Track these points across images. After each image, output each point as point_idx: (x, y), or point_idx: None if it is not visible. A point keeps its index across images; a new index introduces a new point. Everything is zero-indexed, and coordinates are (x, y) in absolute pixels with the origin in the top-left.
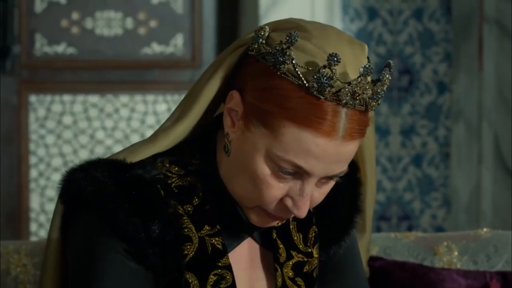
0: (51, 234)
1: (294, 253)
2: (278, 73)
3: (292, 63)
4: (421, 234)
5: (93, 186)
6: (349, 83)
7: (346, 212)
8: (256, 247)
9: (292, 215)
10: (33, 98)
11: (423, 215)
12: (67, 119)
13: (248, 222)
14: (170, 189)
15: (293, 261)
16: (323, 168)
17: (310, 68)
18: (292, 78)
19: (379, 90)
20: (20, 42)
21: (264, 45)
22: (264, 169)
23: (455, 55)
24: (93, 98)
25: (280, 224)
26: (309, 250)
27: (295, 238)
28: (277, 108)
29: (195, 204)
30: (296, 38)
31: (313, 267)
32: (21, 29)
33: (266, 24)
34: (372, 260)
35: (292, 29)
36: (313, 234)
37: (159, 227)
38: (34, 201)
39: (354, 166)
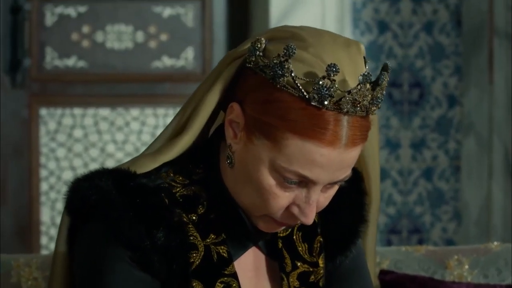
0: (58, 247)
1: (299, 264)
2: (278, 86)
3: (291, 75)
4: (432, 247)
5: (97, 195)
6: (349, 92)
7: (351, 222)
8: (261, 256)
9: (299, 222)
10: (43, 112)
11: (433, 229)
12: (78, 133)
13: (253, 230)
14: (174, 198)
15: (298, 271)
16: (328, 176)
17: (309, 80)
18: (292, 90)
19: (378, 95)
20: (31, 55)
21: (261, 57)
22: (269, 180)
23: (466, 68)
24: (104, 112)
25: (285, 234)
26: (315, 260)
27: (300, 248)
28: (279, 121)
29: (200, 213)
30: (294, 50)
31: (319, 276)
32: (31, 42)
33: (262, 35)
34: (383, 273)
35: (288, 38)
36: (319, 244)
37: (164, 235)
38: (45, 214)
39: (358, 176)
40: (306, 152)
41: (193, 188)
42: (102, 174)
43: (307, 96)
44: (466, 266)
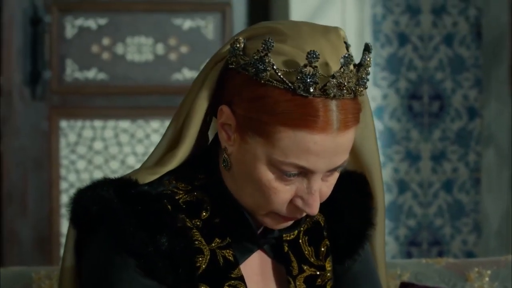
0: (65, 261)
1: (305, 267)
2: (262, 81)
3: (273, 68)
4: (452, 260)
5: (99, 204)
6: (333, 76)
7: (359, 226)
8: (267, 260)
9: (305, 214)
10: (64, 124)
11: (453, 241)
12: (98, 145)
13: (258, 232)
14: (177, 204)
15: (305, 275)
16: (325, 163)
17: (292, 70)
18: (276, 83)
19: (363, 75)
20: (51, 67)
21: (242, 56)
22: (268, 175)
23: (486, 81)
24: (124, 124)
25: (291, 237)
26: (321, 263)
27: (306, 252)
28: (269, 116)
29: (204, 218)
30: (272, 43)
31: (327, 280)
32: (52, 54)
33: (240, 34)
34: (404, 286)
35: (266, 34)
36: (325, 247)
37: (168, 240)
38: (65, 227)
39: (363, 180)
40: (300, 142)
41: (196, 193)
42: (104, 183)
43: (292, 87)
44: (487, 279)
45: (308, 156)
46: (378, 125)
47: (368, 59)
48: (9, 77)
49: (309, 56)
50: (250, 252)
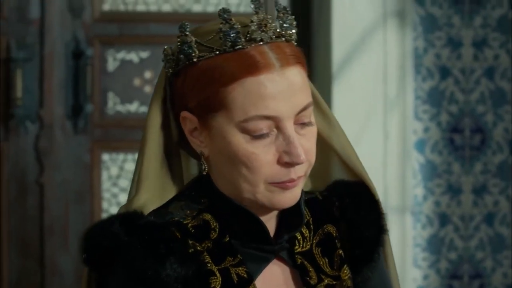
0: None
1: (323, 277)
2: (195, 60)
3: (197, 42)
4: None
5: (107, 240)
6: (251, 21)
7: (373, 233)
8: (286, 269)
9: (300, 170)
10: (105, 157)
11: (494, 274)
12: None
13: (272, 238)
14: (186, 229)
15: (324, 284)
16: (286, 106)
17: (213, 35)
18: (208, 55)
19: (284, 18)
20: (93, 101)
21: (171, 57)
22: (243, 145)
23: None
24: None
25: (303, 249)
26: (336, 273)
27: (321, 262)
28: (214, 85)
29: (214, 238)
30: (186, 24)
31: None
32: (93, 87)
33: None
34: None
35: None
36: (338, 257)
37: (179, 265)
38: None
39: (365, 187)
40: (250, 91)
41: (202, 216)
42: (110, 219)
43: (221, 49)
44: None
45: (265, 102)
46: (420, 158)
47: (280, 3)
48: (51, 110)
49: (221, 14)
50: (266, 261)
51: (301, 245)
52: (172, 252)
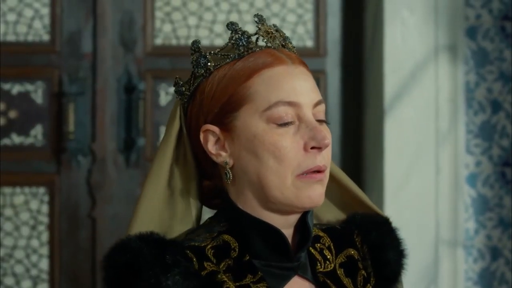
0: None
1: None
2: (212, 69)
3: (210, 53)
4: None
5: (126, 254)
6: (259, 28)
7: (397, 255)
8: (308, 286)
9: (324, 159)
10: None
11: None
12: None
13: (292, 251)
14: (203, 252)
15: None
16: (304, 94)
17: (225, 46)
18: (223, 62)
19: (281, 33)
20: (145, 135)
21: (183, 82)
22: (269, 135)
23: None
24: None
25: (326, 270)
26: None
27: (345, 281)
28: (235, 83)
29: (234, 256)
30: (198, 41)
31: None
32: (145, 121)
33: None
34: None
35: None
36: (362, 277)
37: (182, 278)
38: None
39: (381, 216)
40: (270, 80)
41: (221, 237)
42: (129, 237)
43: (235, 56)
44: None
45: (285, 89)
46: (471, 192)
47: (273, 24)
48: (103, 144)
49: (229, 27)
50: (287, 279)
51: (322, 266)
52: (177, 265)
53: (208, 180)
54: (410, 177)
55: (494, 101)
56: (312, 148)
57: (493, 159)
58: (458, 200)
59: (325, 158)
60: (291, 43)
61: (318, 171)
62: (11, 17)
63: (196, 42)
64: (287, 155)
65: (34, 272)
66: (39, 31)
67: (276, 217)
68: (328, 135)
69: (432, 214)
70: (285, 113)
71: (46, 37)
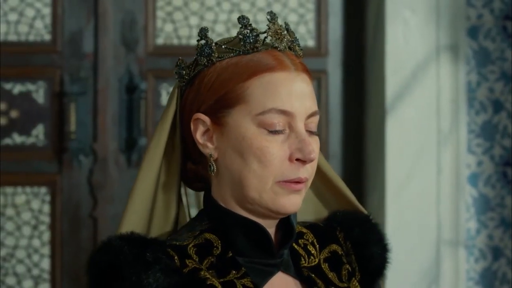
0: None
1: None
2: (214, 60)
3: (216, 44)
4: None
5: (108, 254)
6: (268, 28)
7: (379, 249)
8: (292, 282)
9: (306, 171)
10: None
11: None
12: (193, 212)
13: (275, 249)
14: (184, 251)
15: None
16: (299, 105)
17: (232, 39)
18: (227, 55)
19: (291, 33)
20: (147, 134)
21: (186, 65)
22: (258, 138)
23: None
24: None
25: (310, 264)
26: (346, 284)
27: (330, 275)
28: (234, 80)
29: (217, 254)
30: (206, 29)
31: None
32: (147, 121)
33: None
34: None
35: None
36: (346, 272)
37: (163, 275)
38: None
39: (362, 213)
40: (268, 85)
41: (203, 236)
42: (110, 238)
43: (240, 51)
44: None
45: (281, 97)
46: (473, 192)
47: (285, 22)
48: (104, 144)
49: (240, 21)
50: (270, 274)
51: (307, 261)
52: (158, 263)
53: (192, 165)
54: (411, 177)
55: (495, 101)
56: (297, 159)
57: (494, 159)
58: (460, 200)
59: (308, 171)
60: (299, 46)
61: (299, 182)
62: (13, 16)
63: (204, 30)
64: (272, 162)
65: (35, 272)
66: (41, 31)
67: (252, 218)
68: (315, 149)
69: (433, 214)
70: (278, 120)
71: (47, 37)
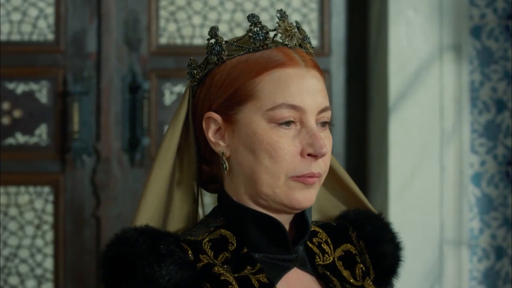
0: None
1: (347, 286)
2: (225, 58)
3: (227, 43)
4: None
5: (124, 245)
6: (279, 25)
7: (392, 248)
8: (308, 278)
9: (319, 166)
10: None
11: None
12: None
13: (290, 245)
14: (199, 246)
15: None
16: (310, 100)
17: (242, 37)
18: (237, 53)
19: (302, 31)
20: (150, 134)
21: (197, 64)
22: (269, 134)
23: None
24: None
25: (325, 262)
26: (360, 283)
27: (344, 274)
28: (245, 77)
29: (232, 249)
30: (216, 28)
31: None
32: (150, 121)
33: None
34: None
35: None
36: (360, 271)
37: (176, 268)
38: None
39: (373, 213)
40: (278, 80)
41: (218, 232)
42: (125, 230)
43: (251, 49)
44: None
45: (292, 92)
46: (476, 192)
47: (295, 21)
48: (107, 144)
49: (250, 19)
50: (286, 270)
51: (321, 259)
52: (171, 255)
53: (206, 166)
54: (414, 176)
55: (498, 101)
56: (309, 155)
57: (497, 158)
58: (463, 199)
59: (321, 166)
60: (309, 43)
61: (312, 176)
62: (16, 16)
63: (214, 28)
64: (283, 157)
65: (38, 271)
66: (44, 30)
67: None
68: (327, 144)
69: (436, 214)
70: (288, 115)
71: (50, 37)
